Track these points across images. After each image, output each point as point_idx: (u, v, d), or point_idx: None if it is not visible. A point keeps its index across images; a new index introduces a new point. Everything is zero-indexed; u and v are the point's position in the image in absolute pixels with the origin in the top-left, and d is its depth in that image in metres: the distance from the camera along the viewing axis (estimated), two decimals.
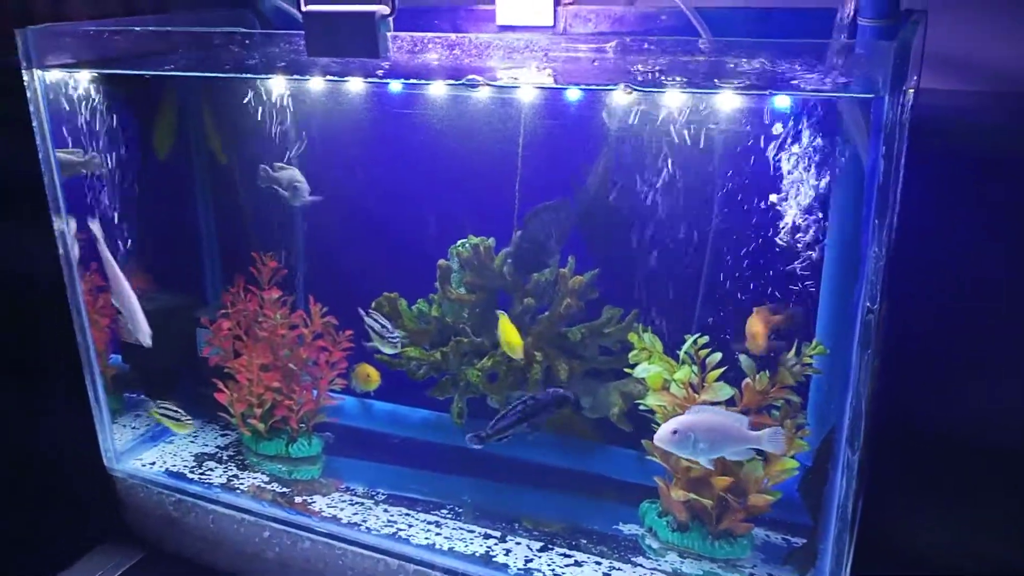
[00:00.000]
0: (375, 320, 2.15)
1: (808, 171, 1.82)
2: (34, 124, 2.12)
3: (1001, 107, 2.14)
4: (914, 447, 2.21)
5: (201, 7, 2.61)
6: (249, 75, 1.95)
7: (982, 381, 2.22)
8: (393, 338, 2.14)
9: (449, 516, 2.19)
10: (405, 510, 2.22)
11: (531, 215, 2.19)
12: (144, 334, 2.24)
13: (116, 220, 2.47)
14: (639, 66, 1.55)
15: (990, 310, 2.18)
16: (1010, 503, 2.18)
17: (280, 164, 2.32)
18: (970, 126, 2.11)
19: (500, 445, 2.31)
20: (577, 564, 2.01)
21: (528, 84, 1.73)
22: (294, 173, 2.31)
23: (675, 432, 1.79)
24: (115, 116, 2.38)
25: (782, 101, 1.74)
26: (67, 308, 2.28)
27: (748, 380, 1.91)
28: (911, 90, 1.62)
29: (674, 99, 1.88)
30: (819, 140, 1.77)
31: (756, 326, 1.87)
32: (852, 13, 1.70)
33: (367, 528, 2.14)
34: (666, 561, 2.00)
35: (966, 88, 2.18)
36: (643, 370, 1.99)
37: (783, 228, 1.87)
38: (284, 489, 2.31)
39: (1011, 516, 2.17)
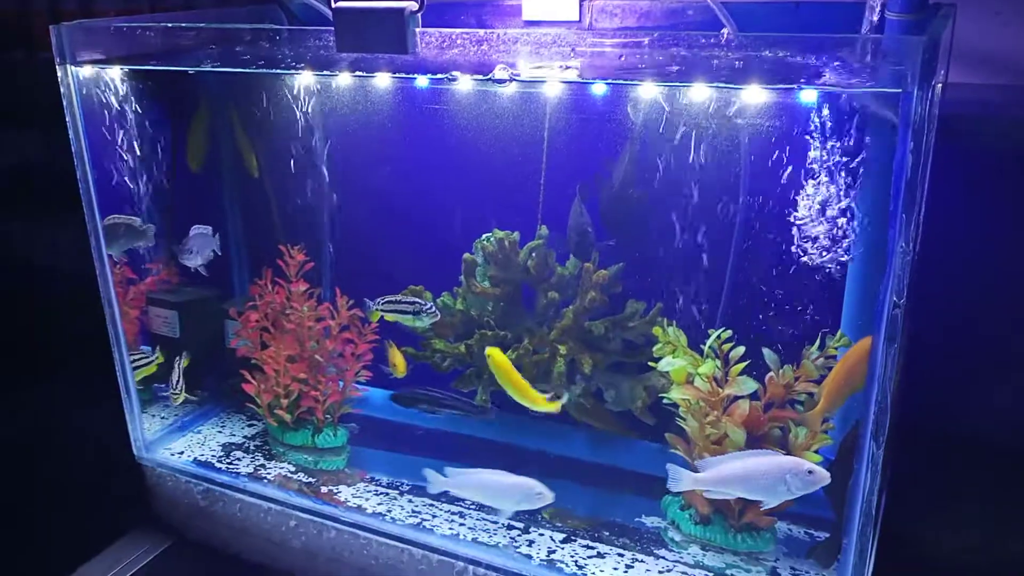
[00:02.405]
0: (402, 303, 2.15)
1: (836, 165, 1.82)
2: (67, 119, 2.15)
3: None
4: (938, 444, 2.20)
5: (228, 3, 2.65)
6: (282, 71, 1.98)
7: (1008, 379, 2.21)
8: (428, 308, 2.14)
9: (472, 507, 2.21)
10: (429, 501, 2.24)
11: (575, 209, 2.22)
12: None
13: (147, 212, 2.52)
14: (665, 60, 1.56)
15: (1017, 307, 2.16)
16: None
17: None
18: (998, 121, 2.09)
19: (523, 436, 2.34)
20: (599, 556, 2.02)
21: (555, 79, 1.74)
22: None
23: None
24: (146, 110, 2.42)
25: (808, 95, 1.74)
26: (98, 299, 2.31)
27: (772, 374, 1.91)
28: (939, 85, 1.62)
29: (699, 93, 1.89)
30: (847, 134, 1.77)
31: None
32: (880, 7, 1.70)
33: (392, 518, 2.16)
34: (688, 554, 2.01)
35: (994, 82, 2.16)
36: (667, 364, 2.00)
37: (810, 222, 1.87)
38: (310, 479, 2.34)
39: None
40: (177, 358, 2.48)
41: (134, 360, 2.39)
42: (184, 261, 2.44)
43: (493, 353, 2.08)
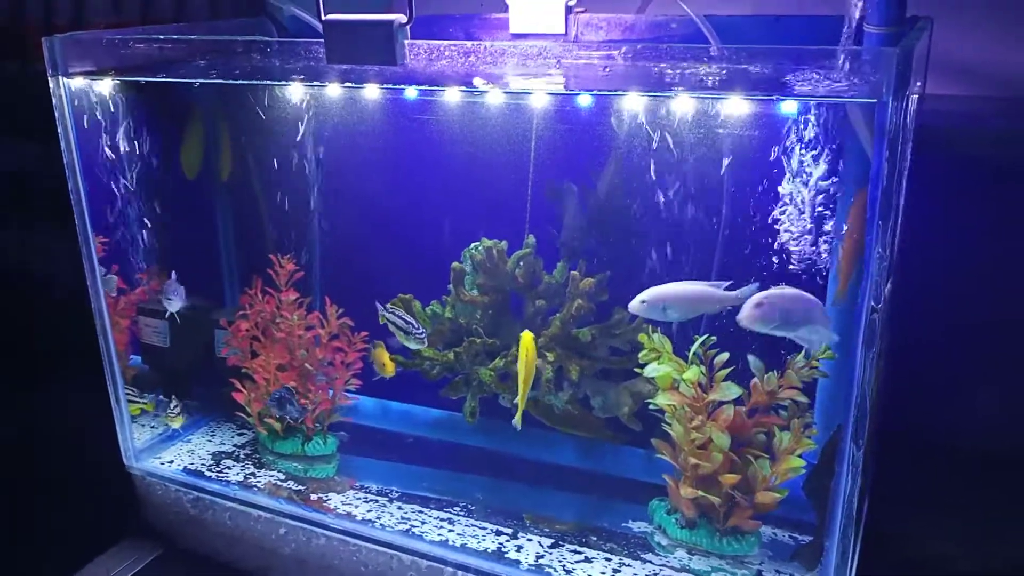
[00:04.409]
0: (398, 316, 2.19)
1: (815, 173, 1.86)
2: (59, 130, 2.17)
3: (1006, 112, 2.17)
4: (920, 450, 2.23)
5: (218, 16, 2.68)
6: (274, 82, 2.00)
7: (988, 385, 2.24)
8: (419, 333, 2.18)
9: (461, 513, 2.23)
10: (418, 507, 2.25)
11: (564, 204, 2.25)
12: None
13: (137, 223, 2.54)
14: (649, 72, 1.59)
15: (995, 314, 2.20)
16: (1016, 507, 2.20)
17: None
18: (975, 131, 2.14)
19: (512, 443, 2.37)
20: (587, 560, 2.04)
21: (541, 90, 1.77)
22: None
23: (644, 302, 1.89)
24: (138, 121, 2.44)
25: (788, 106, 1.78)
26: (89, 309, 2.32)
27: (756, 380, 1.94)
28: (915, 95, 1.66)
29: (681, 104, 1.92)
30: (826, 143, 1.81)
31: None
32: (859, 20, 1.74)
33: (381, 525, 2.18)
34: (675, 557, 2.03)
35: (972, 94, 2.21)
36: (653, 370, 2.03)
37: (790, 229, 1.90)
38: (300, 487, 2.36)
39: (1016, 520, 2.19)
40: (173, 397, 2.55)
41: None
42: (169, 307, 2.51)
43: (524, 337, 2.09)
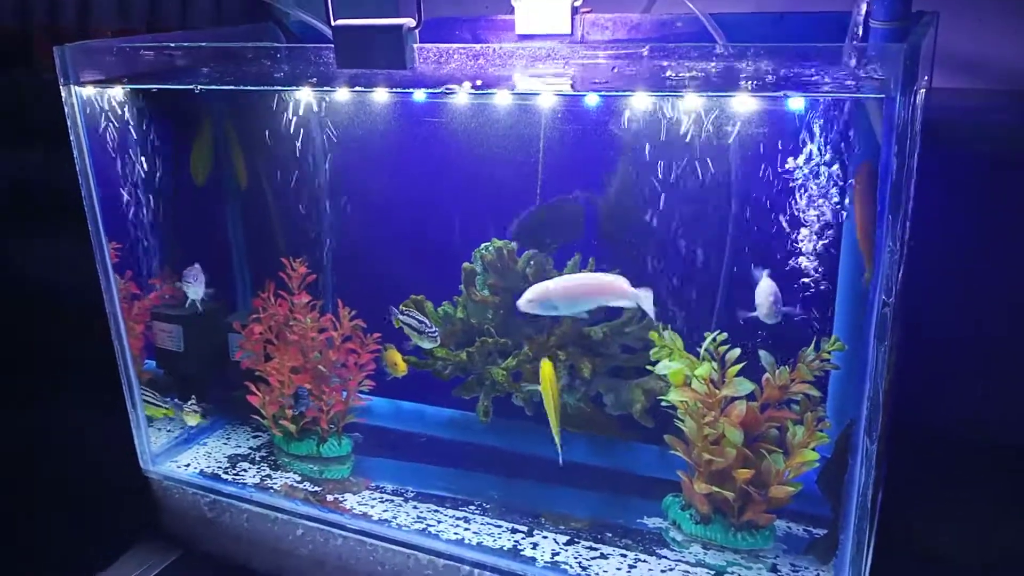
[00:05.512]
0: (411, 317, 2.21)
1: (825, 168, 1.87)
2: (71, 138, 2.19)
3: (1012, 106, 2.18)
4: (932, 443, 2.24)
5: (223, 23, 2.69)
6: (283, 87, 2.00)
7: (1000, 378, 2.25)
8: (432, 332, 2.20)
9: (477, 512, 2.25)
10: (434, 507, 2.27)
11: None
12: None
13: (149, 227, 2.56)
14: (657, 71, 1.61)
15: (1004, 306, 2.21)
16: None
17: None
18: (981, 125, 2.15)
19: (526, 442, 2.38)
20: (603, 557, 2.06)
21: (549, 91, 1.79)
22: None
23: (531, 300, 2.00)
24: (148, 128, 2.46)
25: (796, 102, 1.79)
26: (104, 314, 2.34)
27: (768, 376, 1.95)
28: (922, 90, 1.67)
29: (689, 102, 1.93)
30: (836, 138, 1.82)
31: None
32: (864, 16, 1.75)
33: (397, 524, 2.20)
34: (690, 553, 2.04)
35: (977, 87, 2.22)
36: (664, 367, 2.04)
37: (801, 225, 1.91)
38: (316, 488, 2.38)
39: None
40: (191, 400, 2.57)
41: (146, 397, 2.47)
42: (188, 292, 2.53)
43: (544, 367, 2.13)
